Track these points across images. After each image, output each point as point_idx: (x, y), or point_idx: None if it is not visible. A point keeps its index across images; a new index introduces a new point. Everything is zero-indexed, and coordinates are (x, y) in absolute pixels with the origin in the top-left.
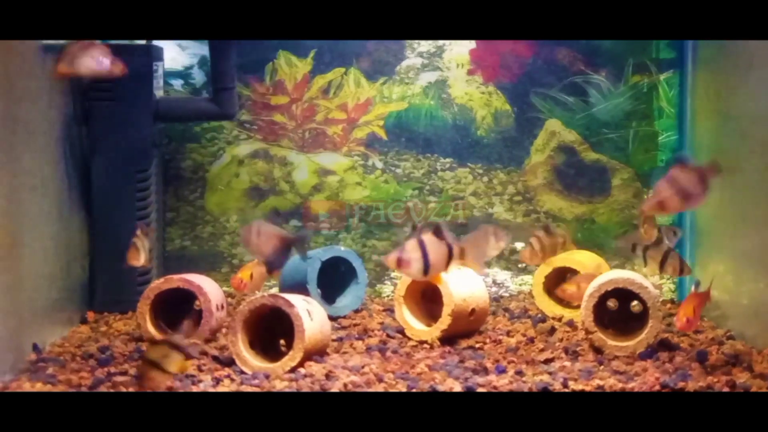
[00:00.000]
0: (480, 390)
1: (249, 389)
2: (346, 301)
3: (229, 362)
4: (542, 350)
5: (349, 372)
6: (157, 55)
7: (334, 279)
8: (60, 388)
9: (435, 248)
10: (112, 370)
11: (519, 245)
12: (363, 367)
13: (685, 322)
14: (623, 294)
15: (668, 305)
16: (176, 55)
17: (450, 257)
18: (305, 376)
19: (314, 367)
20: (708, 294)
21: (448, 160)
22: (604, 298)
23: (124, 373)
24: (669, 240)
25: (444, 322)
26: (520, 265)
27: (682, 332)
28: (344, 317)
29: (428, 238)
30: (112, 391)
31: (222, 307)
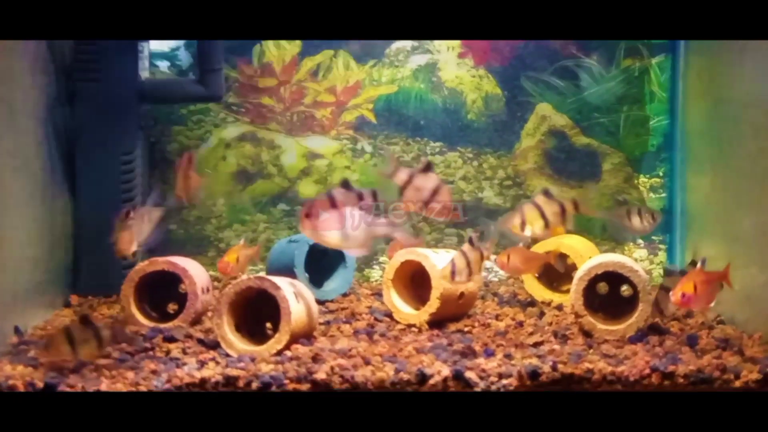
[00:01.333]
0: (468, 374)
1: (234, 372)
2: (334, 285)
3: (215, 345)
4: (531, 334)
5: (336, 355)
6: None
7: (321, 263)
8: (41, 371)
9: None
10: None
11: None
12: (350, 350)
13: (680, 297)
14: (613, 277)
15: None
16: None
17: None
18: (291, 358)
19: (301, 350)
20: (722, 275)
21: (437, 144)
22: (593, 281)
23: (107, 356)
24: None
25: (432, 305)
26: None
27: (685, 309)
28: (332, 301)
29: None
30: (94, 386)
31: (207, 290)
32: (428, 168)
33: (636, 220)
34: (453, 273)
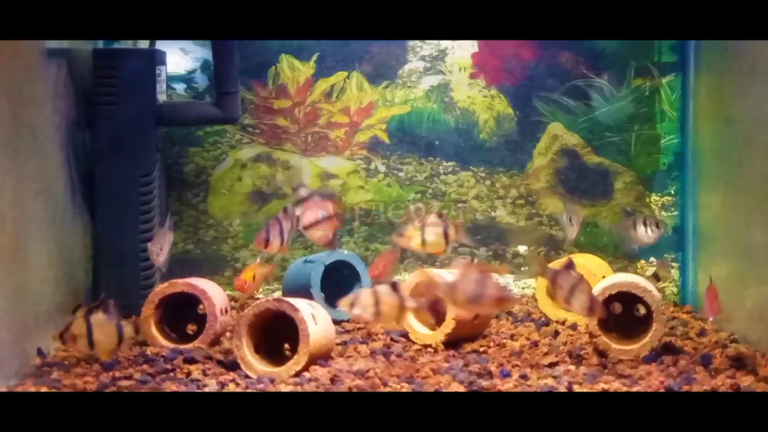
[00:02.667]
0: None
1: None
2: None
3: (234, 366)
4: (546, 354)
5: (354, 376)
6: (160, 59)
7: (337, 283)
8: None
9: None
10: (117, 374)
11: (522, 248)
12: (367, 371)
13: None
14: (627, 297)
15: (671, 308)
16: (179, 59)
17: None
18: (310, 380)
19: (319, 371)
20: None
21: (450, 163)
22: (607, 301)
23: (129, 377)
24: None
25: (448, 326)
26: (522, 269)
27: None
28: (348, 321)
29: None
30: (115, 391)
31: (226, 311)
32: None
33: (641, 230)
34: (352, 304)
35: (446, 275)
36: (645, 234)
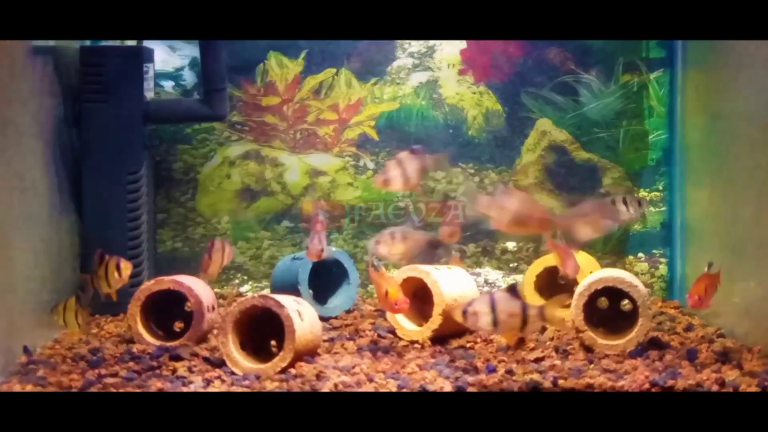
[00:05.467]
0: (470, 389)
1: (240, 390)
2: (338, 302)
3: (220, 363)
4: (532, 349)
5: (340, 372)
6: (148, 56)
7: (325, 280)
8: (50, 390)
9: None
10: (103, 371)
11: (510, 244)
12: (353, 367)
13: (697, 299)
14: (613, 292)
15: (659, 303)
16: (167, 56)
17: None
18: (296, 376)
19: (305, 368)
20: (718, 276)
21: None
22: (594, 296)
23: (115, 374)
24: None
25: (435, 321)
26: (511, 265)
27: (694, 310)
28: (336, 318)
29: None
30: (102, 391)
31: (213, 308)
32: None
33: (622, 209)
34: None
35: (433, 271)
36: (626, 212)
